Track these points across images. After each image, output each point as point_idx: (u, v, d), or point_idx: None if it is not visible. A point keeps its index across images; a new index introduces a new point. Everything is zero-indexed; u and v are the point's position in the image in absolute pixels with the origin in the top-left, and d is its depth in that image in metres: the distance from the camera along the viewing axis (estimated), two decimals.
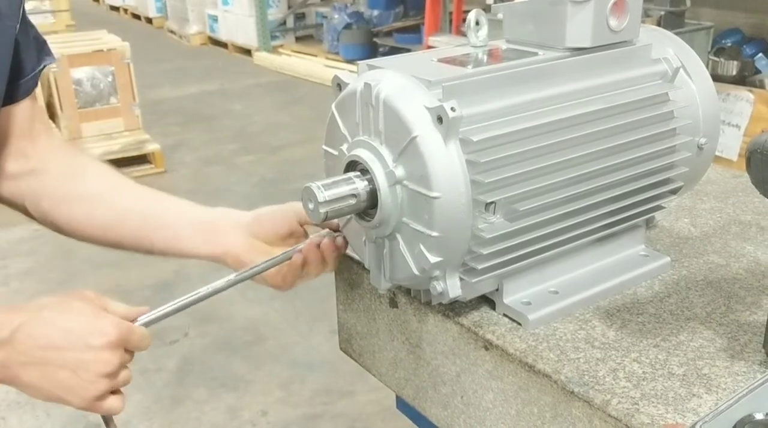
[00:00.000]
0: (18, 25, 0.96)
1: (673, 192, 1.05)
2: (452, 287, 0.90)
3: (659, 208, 1.06)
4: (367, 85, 0.87)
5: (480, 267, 0.89)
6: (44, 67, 1.06)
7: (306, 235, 1.06)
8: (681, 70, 1.03)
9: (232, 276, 0.98)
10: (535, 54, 0.97)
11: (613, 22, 0.96)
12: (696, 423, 0.69)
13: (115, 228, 1.06)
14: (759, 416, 0.72)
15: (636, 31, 1.00)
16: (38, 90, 1.09)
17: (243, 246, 1.03)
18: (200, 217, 1.05)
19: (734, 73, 3.72)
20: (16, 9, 0.95)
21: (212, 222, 1.05)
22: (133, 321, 0.90)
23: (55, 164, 1.07)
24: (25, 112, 1.04)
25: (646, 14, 3.79)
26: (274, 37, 8.15)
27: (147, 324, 0.91)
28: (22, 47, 0.98)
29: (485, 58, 0.99)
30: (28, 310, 0.84)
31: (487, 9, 3.97)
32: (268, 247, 1.03)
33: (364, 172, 0.89)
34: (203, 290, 0.95)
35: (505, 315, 0.96)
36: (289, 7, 8.37)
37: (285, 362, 2.91)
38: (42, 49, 1.06)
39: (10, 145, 1.04)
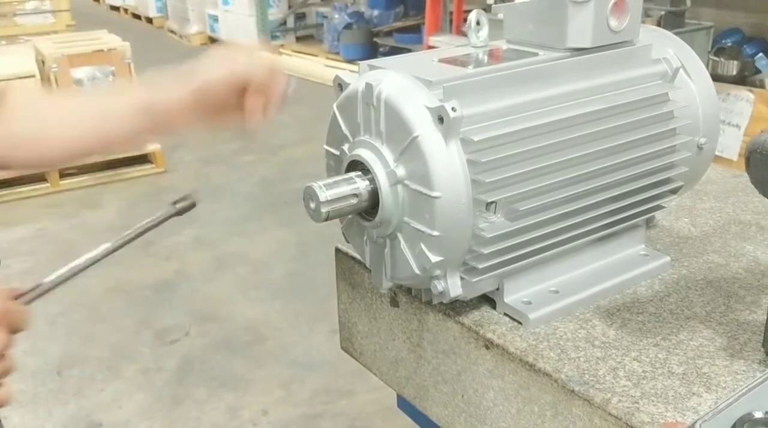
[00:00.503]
0: None
1: (673, 191, 1.06)
2: (453, 286, 0.90)
3: (659, 207, 1.06)
4: (369, 86, 0.88)
5: (481, 266, 0.89)
6: None
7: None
8: (681, 70, 1.03)
9: (108, 245, 0.90)
10: (536, 54, 0.97)
11: (613, 23, 0.96)
12: (696, 422, 0.70)
13: (59, 135, 1.00)
14: (758, 414, 0.72)
15: (636, 32, 1.00)
16: None
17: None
18: (140, 102, 1.00)
19: (734, 72, 3.72)
20: None
21: (151, 104, 0.99)
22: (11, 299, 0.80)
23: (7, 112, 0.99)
24: None
25: (646, 14, 3.79)
26: (274, 37, 8.15)
27: (27, 303, 0.82)
28: None
29: (486, 58, 0.99)
30: None
31: (487, 9, 3.98)
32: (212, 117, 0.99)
33: (366, 171, 0.89)
34: (82, 260, 0.87)
35: (505, 314, 0.97)
36: (290, 7, 8.37)
37: (285, 362, 2.91)
38: None
39: None
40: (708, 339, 0.91)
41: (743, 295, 1.00)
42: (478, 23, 1.00)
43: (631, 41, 1.00)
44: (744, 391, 0.73)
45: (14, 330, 0.79)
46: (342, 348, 1.23)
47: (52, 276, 0.84)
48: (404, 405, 1.16)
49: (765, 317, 0.87)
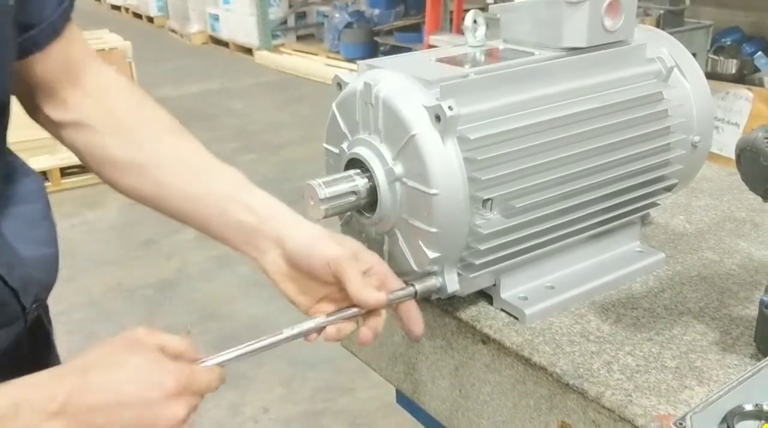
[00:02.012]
0: None
1: (668, 189, 1.07)
2: (450, 282, 0.92)
3: (654, 204, 1.08)
4: (367, 85, 0.89)
5: (477, 262, 0.90)
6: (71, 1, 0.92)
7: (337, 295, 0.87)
8: (675, 70, 1.05)
9: (312, 323, 0.84)
10: (532, 54, 0.98)
11: (608, 23, 0.97)
12: (687, 414, 0.71)
13: (158, 203, 0.95)
14: (748, 407, 0.74)
15: (631, 31, 1.01)
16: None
17: (278, 272, 0.91)
18: (246, 222, 0.91)
19: (734, 71, 3.73)
20: None
21: (257, 231, 0.91)
22: (196, 362, 0.79)
23: (100, 119, 0.95)
24: (55, 56, 0.91)
25: (645, 13, 3.80)
26: (275, 36, 8.16)
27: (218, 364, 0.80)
28: None
29: (483, 57, 1.00)
30: (73, 373, 0.74)
31: (485, 9, 3.99)
32: (307, 282, 0.89)
33: (364, 169, 0.91)
34: (270, 338, 0.83)
35: (502, 309, 0.98)
36: (290, 6, 8.38)
37: (286, 359, 2.93)
38: None
39: (48, 91, 0.94)
40: (701, 333, 0.92)
41: (736, 291, 1.02)
42: (474, 23, 1.02)
43: (626, 41, 1.02)
44: (734, 384, 0.75)
45: (203, 392, 0.76)
46: (342, 344, 1.25)
47: (240, 347, 0.81)
48: (403, 400, 1.18)
49: (757, 312, 0.88)
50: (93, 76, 0.97)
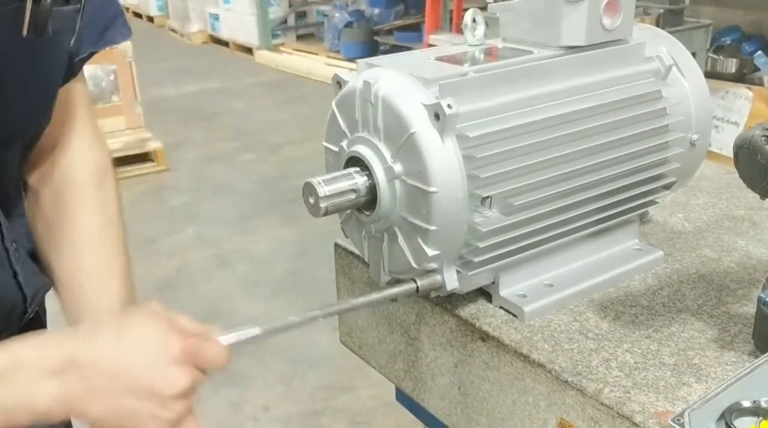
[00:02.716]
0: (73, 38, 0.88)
1: (666, 187, 1.08)
2: (449, 280, 0.92)
3: (652, 202, 1.08)
4: (366, 83, 0.90)
5: (476, 260, 0.91)
6: (91, 54, 0.94)
7: None
8: (674, 68, 1.05)
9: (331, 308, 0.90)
10: (531, 52, 0.99)
11: (606, 21, 0.98)
12: (685, 411, 0.72)
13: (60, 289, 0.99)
14: (746, 404, 0.75)
15: (629, 30, 1.02)
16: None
17: None
18: None
19: (733, 70, 3.73)
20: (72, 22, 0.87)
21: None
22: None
23: (50, 188, 0.97)
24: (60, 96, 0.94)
25: (645, 12, 3.81)
26: (275, 36, 8.16)
27: (227, 344, 0.79)
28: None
29: (482, 56, 1.01)
30: (80, 333, 0.76)
31: (484, 7, 3.98)
32: None
33: (364, 167, 0.91)
34: (297, 318, 0.84)
35: (501, 307, 0.98)
36: (290, 6, 8.38)
37: (286, 358, 2.93)
38: (109, 27, 0.94)
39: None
40: (699, 331, 0.93)
41: (735, 288, 1.02)
42: (474, 22, 1.02)
43: (624, 39, 1.02)
44: (732, 381, 0.75)
45: (208, 366, 0.75)
46: (341, 341, 1.25)
47: (263, 328, 0.81)
48: (403, 398, 1.18)
49: (755, 310, 0.89)
50: (65, 139, 0.98)
